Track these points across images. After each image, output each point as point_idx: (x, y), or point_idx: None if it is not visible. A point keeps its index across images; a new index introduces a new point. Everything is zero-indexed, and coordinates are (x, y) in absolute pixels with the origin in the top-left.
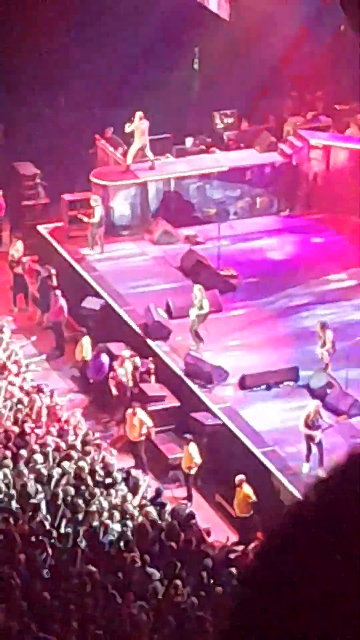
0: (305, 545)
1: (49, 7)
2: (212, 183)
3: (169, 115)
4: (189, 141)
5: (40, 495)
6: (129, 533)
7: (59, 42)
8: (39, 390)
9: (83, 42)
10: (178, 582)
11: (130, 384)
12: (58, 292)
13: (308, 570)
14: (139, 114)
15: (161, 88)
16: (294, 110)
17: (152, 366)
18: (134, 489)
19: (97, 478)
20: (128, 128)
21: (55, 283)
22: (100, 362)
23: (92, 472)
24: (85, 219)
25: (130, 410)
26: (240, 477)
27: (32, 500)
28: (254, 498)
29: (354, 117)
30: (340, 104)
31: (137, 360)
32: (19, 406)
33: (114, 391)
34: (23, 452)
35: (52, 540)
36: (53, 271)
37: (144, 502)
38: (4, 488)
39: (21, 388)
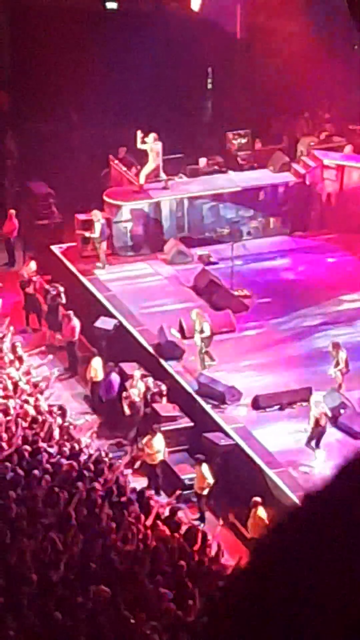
0: (298, 552)
1: (64, 26)
2: (226, 203)
3: (183, 135)
4: (202, 161)
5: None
6: (141, 553)
7: (73, 62)
8: (52, 410)
9: (97, 62)
10: (190, 602)
11: (142, 404)
12: (71, 312)
13: (301, 575)
14: (152, 135)
15: (175, 108)
16: (307, 130)
17: (164, 388)
18: (147, 509)
19: (112, 498)
20: (140, 144)
21: (64, 301)
22: (110, 382)
23: (107, 492)
24: (87, 234)
25: (149, 434)
26: (256, 499)
27: (44, 520)
28: (267, 522)
29: None
30: (353, 123)
31: (150, 381)
32: (33, 425)
33: (127, 411)
34: (36, 472)
35: (64, 560)
36: (62, 289)
37: (157, 522)
38: (15, 507)
39: (35, 407)
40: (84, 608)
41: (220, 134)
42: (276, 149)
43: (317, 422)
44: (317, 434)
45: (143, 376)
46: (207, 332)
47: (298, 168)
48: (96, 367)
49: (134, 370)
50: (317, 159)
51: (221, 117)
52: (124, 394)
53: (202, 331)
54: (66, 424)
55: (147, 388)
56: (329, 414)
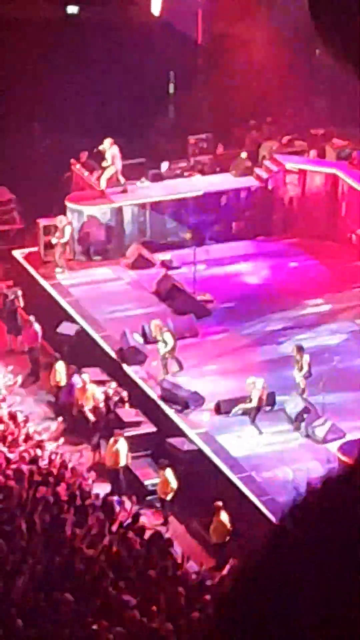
0: (280, 571)
1: (23, 33)
2: (188, 207)
3: (145, 140)
4: (164, 166)
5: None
6: (105, 559)
7: (33, 68)
8: (13, 416)
9: (58, 67)
10: (154, 608)
11: (104, 409)
12: (32, 317)
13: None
14: (108, 140)
15: (137, 113)
16: (269, 134)
17: (125, 394)
18: (110, 515)
19: (76, 504)
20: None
21: (22, 305)
22: (72, 386)
23: (70, 498)
24: (54, 239)
25: (112, 439)
26: (217, 503)
27: (6, 527)
28: (229, 526)
29: (329, 141)
30: (315, 128)
31: (112, 386)
32: None
33: (91, 417)
34: None
35: (28, 568)
36: (20, 293)
37: (121, 528)
38: None
39: None
40: (47, 615)
41: (183, 139)
42: (238, 154)
43: (259, 400)
44: (254, 411)
45: (102, 382)
46: (170, 343)
47: (260, 172)
48: (60, 372)
49: (98, 375)
50: (279, 163)
51: (183, 122)
52: (78, 402)
53: (164, 342)
54: (29, 429)
55: (107, 396)
56: (267, 391)
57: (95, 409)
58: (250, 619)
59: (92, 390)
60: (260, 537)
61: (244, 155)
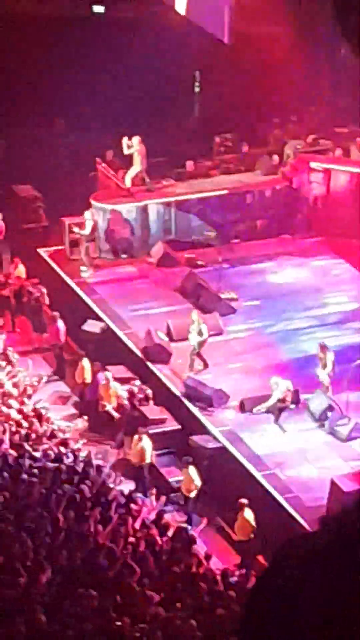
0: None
1: (50, 31)
2: (213, 206)
3: (170, 139)
4: (189, 164)
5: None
6: (129, 556)
7: (59, 66)
8: (38, 413)
9: (84, 65)
10: (178, 605)
11: (129, 407)
12: (57, 313)
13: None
14: (137, 137)
15: (162, 112)
16: (294, 133)
17: (149, 392)
18: (135, 512)
19: (100, 501)
20: (126, 150)
21: (47, 302)
22: (97, 384)
23: (94, 496)
24: (77, 230)
25: (136, 437)
26: (242, 500)
27: (31, 524)
28: (254, 525)
29: (353, 140)
30: (340, 127)
31: (135, 385)
32: (18, 429)
33: (115, 414)
34: (23, 475)
35: (51, 564)
36: (44, 291)
37: (145, 525)
38: (1, 511)
39: (20, 411)
40: (71, 612)
41: (208, 137)
42: (263, 152)
43: (282, 400)
44: (279, 410)
45: (126, 380)
46: (205, 335)
47: (285, 171)
48: (86, 370)
49: (123, 373)
50: (304, 162)
51: (208, 121)
52: (103, 399)
53: (200, 333)
54: (55, 427)
55: (131, 393)
56: (292, 389)
57: (119, 407)
58: (276, 619)
59: (116, 387)
60: (286, 541)
61: (275, 157)
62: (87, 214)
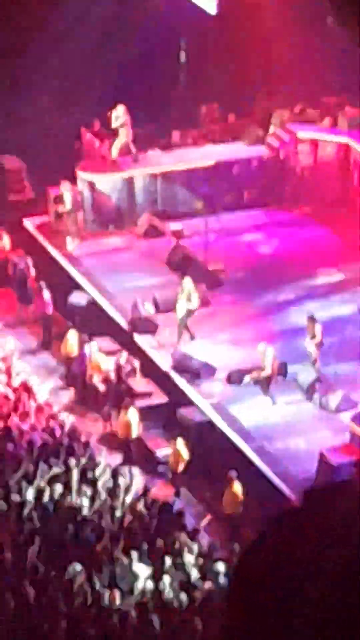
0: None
1: (35, 3)
2: (199, 177)
3: (156, 109)
4: (175, 135)
5: (28, 493)
6: (116, 530)
7: (44, 37)
8: (26, 386)
9: (69, 35)
10: (166, 578)
11: (115, 379)
12: (42, 283)
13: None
14: (122, 107)
15: (148, 81)
16: (281, 103)
17: (137, 364)
18: (122, 485)
19: (87, 474)
20: (114, 123)
21: (33, 274)
22: (84, 356)
23: (81, 470)
24: (59, 209)
25: (123, 410)
26: (230, 474)
27: (16, 499)
28: (242, 498)
29: (341, 109)
30: (327, 96)
31: (122, 357)
32: (6, 402)
33: (101, 387)
34: (9, 447)
35: (39, 539)
36: (30, 262)
37: (132, 498)
38: None
39: (7, 384)
40: (59, 586)
41: (194, 108)
42: (250, 122)
43: (271, 370)
44: (267, 382)
45: (108, 352)
46: (195, 304)
47: (272, 141)
48: (72, 342)
49: (109, 345)
50: (291, 132)
51: (194, 90)
52: (89, 372)
53: (189, 299)
54: (41, 400)
55: (118, 365)
56: (278, 361)
57: (106, 379)
58: (261, 592)
59: (103, 360)
60: (273, 513)
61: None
62: (65, 187)
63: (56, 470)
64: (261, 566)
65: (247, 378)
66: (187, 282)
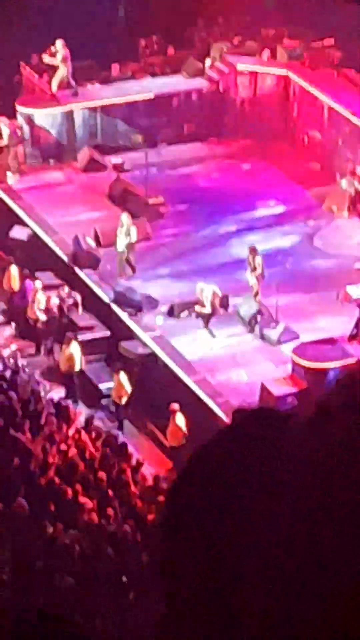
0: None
1: None
2: (139, 110)
3: (94, 42)
4: (115, 68)
5: None
6: (60, 463)
7: None
8: None
9: None
10: (111, 511)
11: (58, 314)
12: None
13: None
14: (59, 41)
15: (86, 14)
16: (220, 35)
17: (79, 298)
18: (66, 419)
19: (30, 409)
20: (48, 59)
21: None
22: (25, 291)
23: (24, 403)
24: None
25: (65, 344)
26: (173, 406)
27: None
28: (185, 430)
29: (280, 41)
30: (266, 28)
31: (65, 291)
32: None
33: (42, 317)
34: None
35: None
36: None
37: (76, 432)
38: None
39: None
40: (3, 520)
41: (133, 40)
42: (189, 55)
43: (211, 306)
44: (208, 314)
45: (46, 287)
46: (134, 238)
47: (211, 74)
48: (14, 276)
49: (51, 280)
50: (230, 64)
51: (133, 23)
52: (31, 306)
53: (128, 234)
54: None
55: (60, 299)
56: (219, 293)
57: (48, 313)
58: (193, 515)
59: (45, 294)
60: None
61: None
62: (1, 121)
63: None
64: (192, 490)
65: (185, 313)
66: (125, 217)
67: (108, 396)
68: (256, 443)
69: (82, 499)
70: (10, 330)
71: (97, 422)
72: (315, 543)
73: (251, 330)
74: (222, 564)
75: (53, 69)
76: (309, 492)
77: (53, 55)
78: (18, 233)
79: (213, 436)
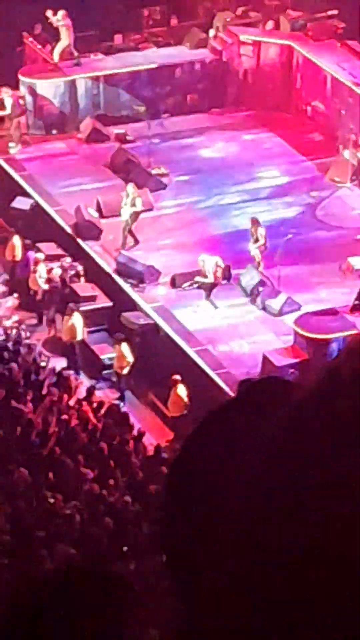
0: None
1: None
2: (142, 80)
3: (98, 12)
4: (117, 38)
5: None
6: (62, 433)
7: None
8: None
9: None
10: (112, 482)
11: (60, 284)
12: None
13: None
14: (61, 12)
15: None
16: (223, 5)
17: (80, 268)
18: (67, 389)
19: (31, 379)
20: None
21: None
22: (27, 261)
23: (25, 374)
24: (0, 113)
25: (67, 314)
26: (175, 377)
27: None
28: (186, 401)
29: (284, 11)
30: None
31: (67, 261)
32: None
33: (44, 286)
34: None
35: None
36: None
37: (78, 402)
38: None
39: None
40: (3, 490)
41: (136, 10)
42: (192, 25)
43: (213, 276)
44: (210, 285)
45: (49, 258)
46: (139, 207)
47: (214, 44)
48: (16, 247)
49: (53, 250)
50: (234, 35)
51: None
52: (33, 276)
53: (133, 204)
54: None
55: (63, 269)
56: (222, 265)
57: (50, 284)
58: (196, 483)
59: (47, 265)
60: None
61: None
62: (7, 91)
63: None
64: (196, 460)
65: (187, 283)
66: (131, 187)
67: (110, 367)
68: (264, 412)
69: (83, 469)
70: (12, 301)
71: (98, 393)
72: (327, 516)
73: (253, 301)
74: (225, 536)
75: (56, 39)
76: (322, 461)
77: (55, 24)
78: (20, 203)
79: (218, 406)
